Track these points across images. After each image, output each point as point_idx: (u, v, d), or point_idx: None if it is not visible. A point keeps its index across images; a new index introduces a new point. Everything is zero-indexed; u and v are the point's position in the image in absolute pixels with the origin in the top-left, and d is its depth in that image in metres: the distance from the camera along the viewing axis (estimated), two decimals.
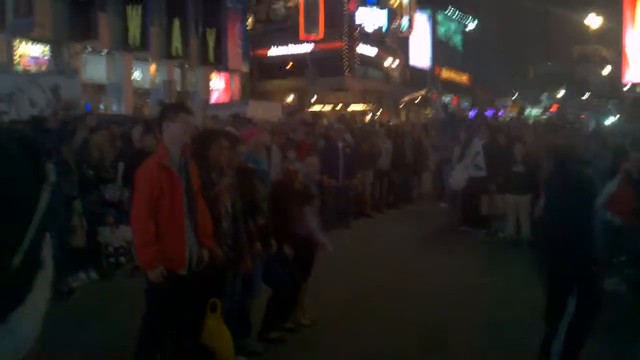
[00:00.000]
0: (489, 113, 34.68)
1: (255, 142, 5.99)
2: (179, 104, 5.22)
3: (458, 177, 11.38)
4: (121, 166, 8.80)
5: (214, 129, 6.08)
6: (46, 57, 21.03)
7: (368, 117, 32.16)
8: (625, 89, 41.83)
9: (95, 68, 23.42)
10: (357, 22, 41.18)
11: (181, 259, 4.34)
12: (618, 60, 47.68)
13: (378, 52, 44.42)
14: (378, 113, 37.68)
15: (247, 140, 5.94)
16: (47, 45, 20.96)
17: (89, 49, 22.48)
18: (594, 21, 44.23)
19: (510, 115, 40.56)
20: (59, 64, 20.62)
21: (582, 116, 33.98)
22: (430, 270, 8.68)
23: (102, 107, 22.47)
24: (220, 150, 4.85)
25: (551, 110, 48.74)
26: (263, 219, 5.41)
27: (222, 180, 4.84)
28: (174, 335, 4.58)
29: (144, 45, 23.98)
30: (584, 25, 45.99)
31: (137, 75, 25.65)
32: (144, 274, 4.43)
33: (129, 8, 23.13)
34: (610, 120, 20.04)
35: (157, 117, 4.70)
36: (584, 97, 52.13)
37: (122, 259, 8.26)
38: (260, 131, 6.98)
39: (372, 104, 40.40)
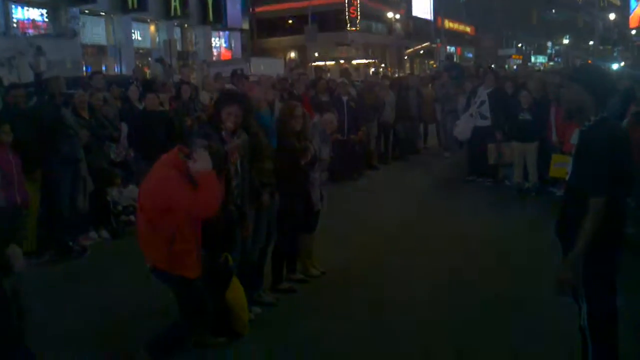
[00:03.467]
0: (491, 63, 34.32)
1: (255, 98, 5.89)
2: (202, 135, 4.88)
3: (463, 127, 11.28)
4: (124, 126, 8.81)
5: (232, 92, 5.89)
6: (45, 21, 20.83)
7: (372, 70, 31.88)
8: (632, 33, 41.30)
9: (94, 30, 23.25)
10: None
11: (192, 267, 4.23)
12: (624, 5, 46.91)
13: (380, 5, 43.75)
14: (382, 66, 37.36)
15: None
16: (44, 9, 20.73)
17: (87, 11, 22.24)
18: None
19: (516, 63, 40.14)
20: (57, 28, 20.45)
21: (589, 62, 33.68)
22: (438, 220, 8.70)
23: (103, 68, 22.38)
24: (230, 116, 4.80)
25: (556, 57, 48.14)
26: (269, 175, 5.38)
27: (233, 140, 4.82)
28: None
29: (142, 6, 23.73)
30: None
31: (137, 36, 25.46)
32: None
33: None
34: (616, 67, 19.80)
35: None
36: (589, 44, 51.46)
37: (133, 217, 8.30)
38: (260, 87, 6.85)
39: (375, 58, 40.00)
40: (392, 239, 7.77)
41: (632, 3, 39.97)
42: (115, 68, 23.38)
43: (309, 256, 6.29)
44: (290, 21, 40.20)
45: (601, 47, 44.98)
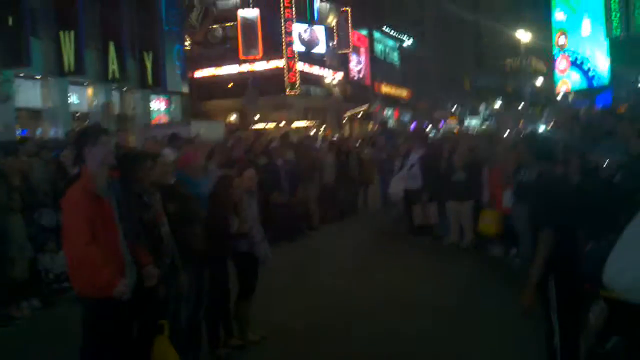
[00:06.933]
0: (425, 124, 35.56)
1: (192, 166, 5.95)
2: (95, 126, 5.04)
3: (395, 187, 11.62)
4: (58, 191, 8.61)
5: (136, 151, 5.96)
6: None
7: (312, 133, 32.27)
8: (558, 98, 43.37)
9: (29, 94, 22.85)
10: (295, 41, 41.45)
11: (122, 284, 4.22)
12: (550, 70, 49.45)
13: (318, 70, 44.77)
14: (322, 129, 37.90)
15: (185, 164, 5.92)
16: None
17: (22, 75, 21.91)
18: (523, 36, 45.96)
19: (450, 126, 41.39)
20: None
21: (521, 123, 35.12)
22: (375, 282, 8.72)
23: (39, 132, 21.96)
24: (148, 172, 4.82)
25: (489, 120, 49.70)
26: (199, 239, 5.34)
27: (157, 200, 4.81)
28: None
29: (79, 69, 23.56)
30: (515, 38, 47.67)
31: (74, 99, 25.15)
32: (84, 303, 4.30)
33: (61, 33, 22.72)
34: (542, 129, 20.70)
35: (76, 143, 4.51)
36: (519, 107, 53.64)
37: (66, 284, 8.02)
38: (197, 153, 6.90)
39: (315, 121, 40.61)
40: (330, 301, 7.74)
41: (555, 76, 42.60)
42: (51, 132, 22.95)
43: (246, 321, 6.21)
44: (230, 85, 40.57)
45: (530, 111, 46.93)
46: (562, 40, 41.04)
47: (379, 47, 57.84)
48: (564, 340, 4.27)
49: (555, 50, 42.47)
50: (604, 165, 7.11)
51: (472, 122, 53.46)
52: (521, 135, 11.72)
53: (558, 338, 4.26)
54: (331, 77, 46.08)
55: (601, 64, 37.69)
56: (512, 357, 5.69)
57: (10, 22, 19.68)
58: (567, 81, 41.69)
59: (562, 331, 4.26)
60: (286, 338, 6.40)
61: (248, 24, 40.41)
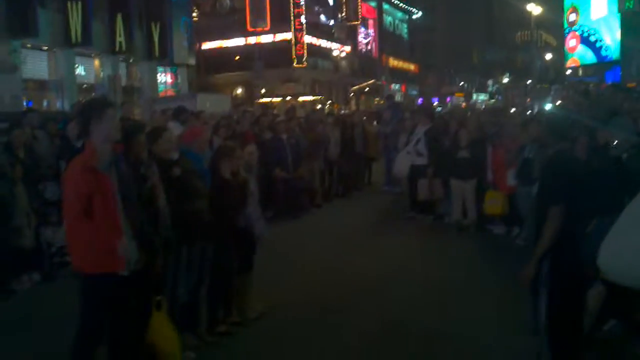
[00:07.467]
0: (435, 100, 35.32)
1: (198, 141, 5.96)
2: (101, 100, 4.99)
3: (400, 164, 11.52)
4: (63, 164, 8.62)
5: (132, 123, 5.94)
6: None
7: (318, 107, 32.14)
8: (567, 72, 42.94)
9: (36, 65, 22.80)
10: (304, 13, 41.07)
11: (120, 260, 4.25)
12: (560, 45, 48.90)
13: (326, 43, 44.43)
14: (328, 103, 37.72)
15: (189, 140, 5.91)
16: None
17: (29, 45, 21.84)
18: (534, 9, 45.37)
19: (458, 102, 41.19)
20: None
21: (529, 99, 34.93)
22: (375, 259, 8.71)
23: (45, 103, 21.95)
24: (142, 144, 4.81)
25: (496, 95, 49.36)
26: (202, 215, 5.35)
27: (153, 173, 4.79)
28: (117, 336, 4.48)
29: (86, 41, 23.47)
30: (525, 12, 47.06)
31: (80, 70, 25.09)
32: (81, 277, 4.33)
33: (69, 4, 22.58)
34: (549, 106, 20.51)
35: (82, 118, 4.43)
36: (528, 83, 53.23)
37: (68, 258, 8.06)
38: (201, 129, 6.88)
39: (321, 95, 40.42)
40: (332, 277, 7.76)
41: (565, 53, 42.15)
42: (57, 103, 22.94)
43: (245, 298, 6.22)
44: (237, 57, 40.36)
45: (538, 86, 46.56)
46: (572, 17, 40.54)
47: (387, 20, 57.32)
48: (552, 315, 4.28)
49: (566, 26, 42.01)
50: (614, 144, 7.05)
51: (480, 98, 53.02)
52: (535, 114, 11.55)
53: (544, 313, 4.29)
54: (339, 50, 45.73)
55: (611, 38, 37.23)
56: (512, 327, 5.72)
57: None
58: (577, 58, 41.31)
59: (551, 308, 4.26)
60: (286, 313, 6.42)
61: None
